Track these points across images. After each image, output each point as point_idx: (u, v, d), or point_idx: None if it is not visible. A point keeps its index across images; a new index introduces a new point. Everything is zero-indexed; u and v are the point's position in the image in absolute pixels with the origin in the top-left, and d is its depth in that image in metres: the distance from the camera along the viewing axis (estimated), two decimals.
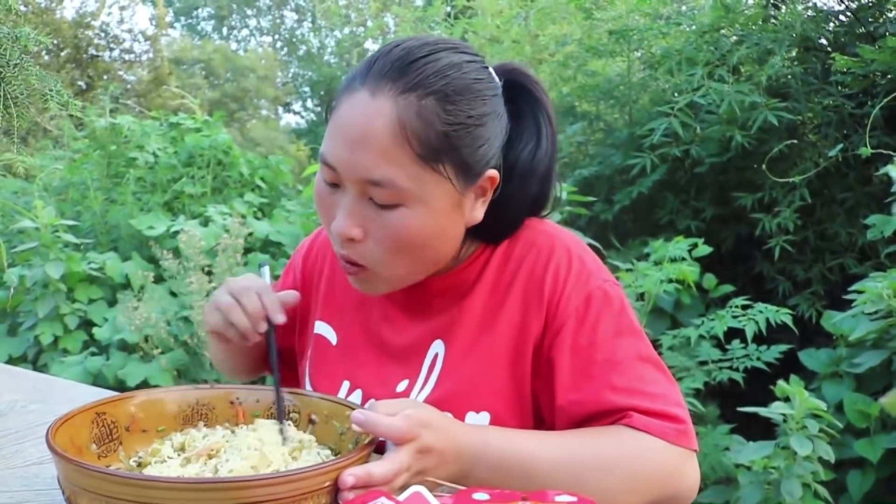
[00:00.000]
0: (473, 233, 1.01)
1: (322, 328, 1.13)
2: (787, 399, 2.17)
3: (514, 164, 1.00)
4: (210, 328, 1.06)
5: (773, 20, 3.63)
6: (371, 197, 0.91)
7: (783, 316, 2.63)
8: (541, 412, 1.00)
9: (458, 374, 1.00)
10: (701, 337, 2.76)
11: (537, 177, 1.01)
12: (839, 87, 3.31)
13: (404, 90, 0.89)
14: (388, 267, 0.95)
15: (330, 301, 1.14)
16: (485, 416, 0.98)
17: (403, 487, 0.79)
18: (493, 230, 1.02)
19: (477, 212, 0.98)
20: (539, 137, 1.01)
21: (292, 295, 1.05)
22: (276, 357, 0.99)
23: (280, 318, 1.01)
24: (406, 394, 1.02)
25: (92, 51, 15.37)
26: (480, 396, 0.98)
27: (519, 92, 1.01)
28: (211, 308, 1.05)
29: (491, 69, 0.99)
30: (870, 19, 3.53)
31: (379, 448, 0.83)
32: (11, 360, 3.47)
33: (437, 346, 1.02)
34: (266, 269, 1.10)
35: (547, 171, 1.02)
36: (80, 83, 14.07)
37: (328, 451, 0.89)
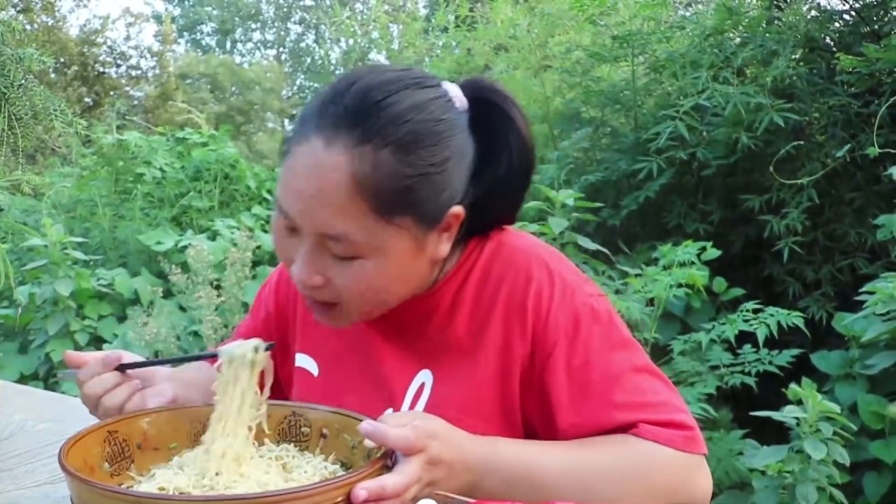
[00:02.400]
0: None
1: (303, 360, 1.11)
2: (799, 402, 2.16)
3: (491, 183, 0.97)
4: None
5: (776, 21, 3.62)
6: (328, 248, 0.89)
7: (795, 319, 2.61)
8: (535, 435, 0.97)
9: (446, 401, 0.98)
10: (712, 341, 2.74)
11: (507, 194, 0.99)
12: (845, 87, 3.29)
13: (360, 140, 0.85)
14: (353, 307, 0.94)
15: (308, 332, 1.12)
16: None
17: (414, 500, 0.79)
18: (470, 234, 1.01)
19: (442, 247, 0.95)
20: (511, 154, 0.97)
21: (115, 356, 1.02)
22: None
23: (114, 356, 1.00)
24: None
25: (98, 68, 15.49)
26: (470, 423, 0.93)
27: (488, 109, 0.97)
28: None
29: (454, 93, 0.95)
30: (874, 18, 3.52)
31: None
32: (22, 378, 3.48)
33: (424, 376, 1.00)
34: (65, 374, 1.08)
35: (520, 189, 1.00)
36: (87, 100, 14.17)
37: (337, 466, 0.88)
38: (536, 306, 0.95)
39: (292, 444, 0.93)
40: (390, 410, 1.00)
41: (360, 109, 0.86)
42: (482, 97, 0.97)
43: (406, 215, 0.88)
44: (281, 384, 1.18)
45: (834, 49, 3.49)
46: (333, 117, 0.86)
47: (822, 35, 3.56)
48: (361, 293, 0.92)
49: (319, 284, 0.91)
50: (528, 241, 1.04)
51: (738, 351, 2.79)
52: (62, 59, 13.48)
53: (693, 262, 2.77)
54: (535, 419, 0.97)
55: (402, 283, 0.94)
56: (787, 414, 2.14)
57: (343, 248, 0.88)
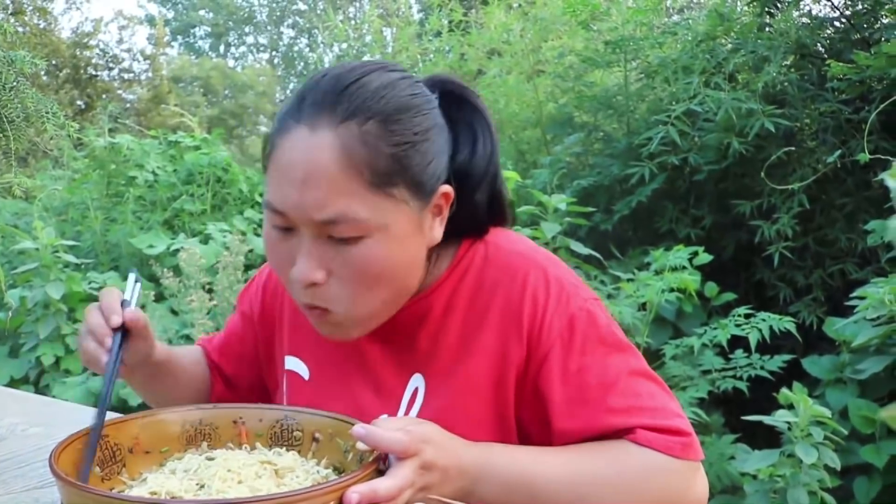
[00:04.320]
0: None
1: (293, 363, 1.10)
2: (791, 406, 2.16)
3: (464, 171, 0.97)
4: (93, 368, 0.99)
5: (768, 28, 3.64)
6: (330, 234, 0.87)
7: (786, 324, 2.62)
8: (529, 441, 0.97)
9: (439, 406, 0.97)
10: (704, 346, 2.75)
11: (475, 180, 0.98)
12: (835, 94, 3.31)
13: (343, 119, 0.86)
14: (357, 306, 0.91)
15: (298, 334, 1.10)
16: None
17: None
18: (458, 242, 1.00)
19: (436, 231, 0.95)
20: (475, 142, 0.98)
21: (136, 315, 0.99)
22: (115, 364, 0.94)
23: (115, 320, 0.96)
24: None
25: (91, 70, 15.44)
26: (463, 428, 0.92)
27: (451, 101, 0.98)
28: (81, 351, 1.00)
29: (421, 83, 0.96)
30: (864, 25, 3.54)
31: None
32: (13, 382, 3.46)
33: (417, 381, 0.99)
34: (132, 277, 1.06)
35: (487, 175, 0.98)
36: (79, 103, 14.13)
37: (329, 471, 0.88)
38: (532, 311, 0.94)
39: (284, 449, 0.93)
40: (385, 416, 0.99)
41: (336, 92, 0.87)
42: (444, 90, 0.98)
43: (401, 186, 0.88)
44: (266, 388, 1.18)
45: (825, 56, 3.51)
46: (311, 106, 0.87)
47: (813, 42, 3.58)
48: (365, 283, 0.89)
49: (322, 281, 0.89)
50: (524, 244, 1.03)
51: (730, 356, 2.80)
52: (54, 62, 13.44)
53: (685, 267, 2.78)
54: (530, 424, 0.96)
55: (404, 268, 0.92)
56: (779, 418, 2.14)
57: (345, 230, 0.86)
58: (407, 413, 0.99)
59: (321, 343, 1.05)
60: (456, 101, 0.98)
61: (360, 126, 0.86)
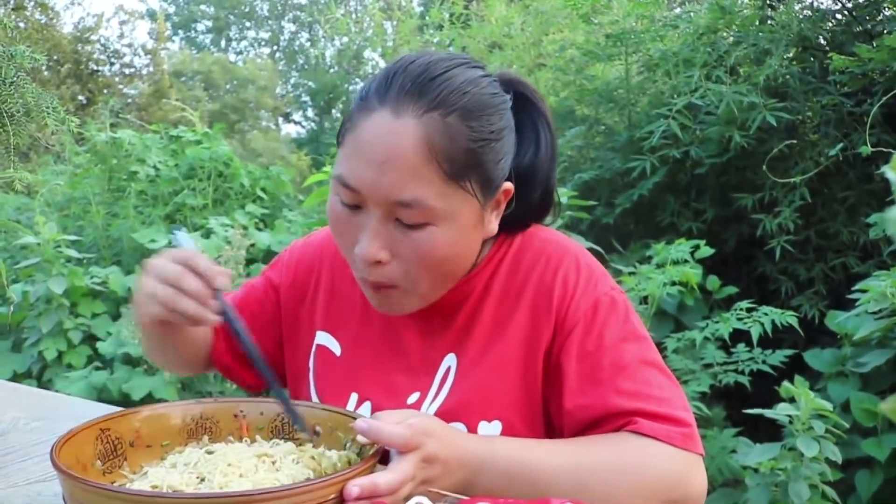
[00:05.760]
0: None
1: (324, 339, 1.11)
2: (792, 400, 2.16)
3: (515, 170, 1.01)
4: (150, 320, 0.96)
5: (769, 20, 3.63)
6: (398, 217, 0.90)
7: (788, 318, 2.62)
8: (551, 418, 1.00)
9: (469, 383, 1.00)
10: (706, 339, 2.75)
11: (536, 181, 1.03)
12: (837, 86, 3.30)
13: (428, 108, 0.89)
14: (415, 284, 0.95)
15: (332, 312, 1.12)
16: (497, 425, 0.98)
17: (407, 498, 0.79)
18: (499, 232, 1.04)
19: (492, 224, 0.99)
20: (538, 144, 1.03)
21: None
22: (246, 334, 0.93)
23: (222, 282, 0.92)
24: (417, 405, 1.02)
25: (92, 65, 15.44)
26: (492, 405, 0.98)
27: (518, 100, 1.01)
28: (145, 299, 0.94)
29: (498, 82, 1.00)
30: (867, 18, 3.53)
31: (383, 460, 0.83)
32: (16, 377, 3.47)
33: (450, 360, 1.02)
34: (181, 234, 1.02)
35: (546, 176, 1.04)
36: (80, 98, 14.14)
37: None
38: (563, 292, 0.99)
39: (284, 442, 0.93)
40: (417, 395, 1.02)
41: (423, 82, 0.90)
42: (514, 89, 1.01)
43: (473, 179, 0.92)
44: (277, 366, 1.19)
45: (826, 48, 3.50)
46: (397, 91, 0.90)
47: (815, 34, 3.56)
48: (426, 267, 0.93)
49: (385, 260, 0.92)
50: (557, 235, 1.08)
51: (732, 349, 2.79)
52: (56, 57, 13.43)
53: (686, 261, 2.78)
54: (550, 400, 0.99)
55: (462, 256, 0.96)
56: (780, 412, 2.14)
57: (414, 215, 0.89)
58: (438, 391, 1.01)
59: (356, 322, 1.09)
60: (524, 103, 1.02)
61: (443, 118, 0.89)
